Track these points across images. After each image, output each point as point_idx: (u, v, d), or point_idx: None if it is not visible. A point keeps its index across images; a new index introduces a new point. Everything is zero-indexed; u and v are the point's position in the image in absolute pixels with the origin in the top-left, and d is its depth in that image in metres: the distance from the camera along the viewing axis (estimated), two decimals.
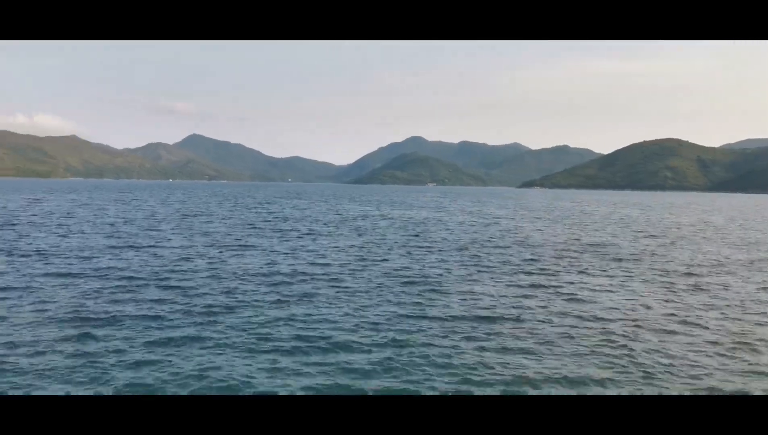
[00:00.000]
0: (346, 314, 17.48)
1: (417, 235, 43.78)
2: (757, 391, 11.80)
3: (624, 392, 11.60)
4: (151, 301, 18.67)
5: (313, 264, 27.39)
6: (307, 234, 43.12)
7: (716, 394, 11.57)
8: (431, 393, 11.25)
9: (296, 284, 22.13)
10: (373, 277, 24.05)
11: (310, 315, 17.22)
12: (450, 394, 11.21)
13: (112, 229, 43.48)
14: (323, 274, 24.45)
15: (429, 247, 35.95)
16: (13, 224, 45.22)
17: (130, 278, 22.34)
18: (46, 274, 22.86)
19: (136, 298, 19.02)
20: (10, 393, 10.70)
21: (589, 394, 11.43)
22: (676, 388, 11.94)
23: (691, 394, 11.55)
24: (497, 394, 11.27)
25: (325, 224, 53.84)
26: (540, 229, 52.28)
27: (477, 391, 11.41)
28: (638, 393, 11.52)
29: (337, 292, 20.84)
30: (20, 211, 60.98)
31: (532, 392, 11.48)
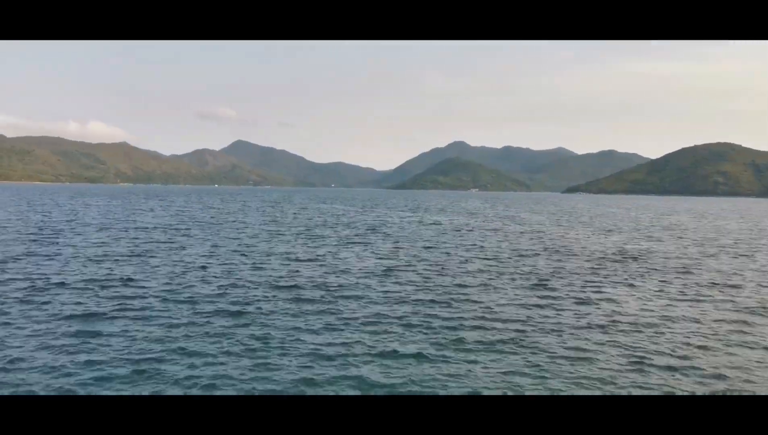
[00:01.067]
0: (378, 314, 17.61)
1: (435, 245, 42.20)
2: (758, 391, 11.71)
3: (624, 392, 11.51)
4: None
5: (331, 273, 26.58)
6: (321, 240, 42.10)
7: (716, 394, 11.52)
8: (431, 393, 11.22)
9: (306, 290, 21.17)
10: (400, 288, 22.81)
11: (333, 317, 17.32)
12: (450, 394, 11.17)
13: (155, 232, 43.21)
14: (340, 284, 23.51)
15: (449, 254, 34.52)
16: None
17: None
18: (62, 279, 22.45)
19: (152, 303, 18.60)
20: (9, 393, 10.78)
21: (589, 394, 11.33)
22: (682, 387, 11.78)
23: (692, 394, 11.53)
24: (497, 394, 11.23)
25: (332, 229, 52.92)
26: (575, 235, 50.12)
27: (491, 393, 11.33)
28: (638, 393, 11.43)
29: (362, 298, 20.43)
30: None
31: (532, 392, 11.39)
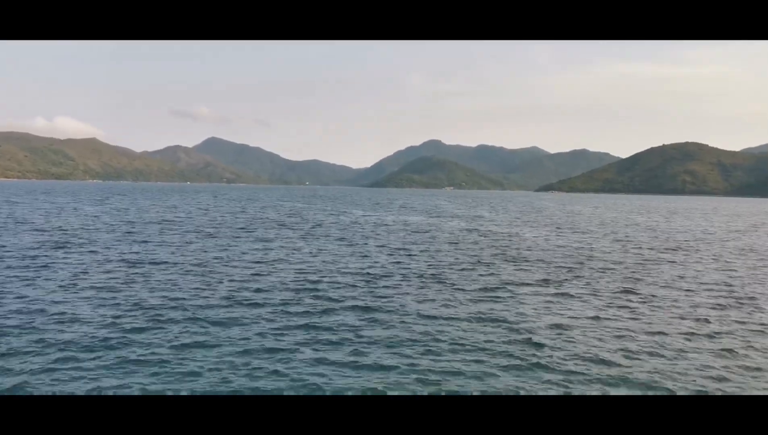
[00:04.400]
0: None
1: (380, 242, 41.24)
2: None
3: (623, 392, 11.53)
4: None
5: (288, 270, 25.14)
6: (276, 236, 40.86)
7: (716, 394, 11.47)
8: (430, 393, 11.22)
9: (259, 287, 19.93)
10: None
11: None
12: (450, 394, 11.16)
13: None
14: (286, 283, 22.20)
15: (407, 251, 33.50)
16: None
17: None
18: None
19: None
20: (10, 393, 10.77)
21: (589, 394, 11.23)
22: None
23: (691, 394, 11.49)
24: (497, 394, 11.18)
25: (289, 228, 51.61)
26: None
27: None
28: (638, 393, 11.45)
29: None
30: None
31: (532, 392, 11.38)
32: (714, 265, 31.28)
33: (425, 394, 11.15)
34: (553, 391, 11.50)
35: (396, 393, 11.16)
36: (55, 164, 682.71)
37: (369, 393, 11.17)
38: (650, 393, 11.53)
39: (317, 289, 21.14)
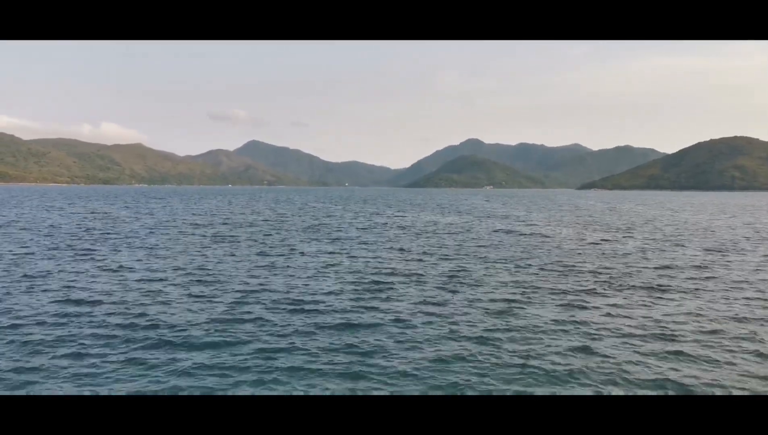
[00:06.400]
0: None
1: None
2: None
3: (623, 392, 11.32)
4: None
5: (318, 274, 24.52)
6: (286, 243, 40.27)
7: (716, 394, 11.25)
8: (430, 393, 11.10)
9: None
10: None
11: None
12: (450, 394, 11.07)
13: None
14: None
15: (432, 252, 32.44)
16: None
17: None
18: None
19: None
20: (10, 393, 10.81)
21: (589, 394, 11.19)
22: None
23: (692, 394, 11.19)
24: (497, 394, 11.07)
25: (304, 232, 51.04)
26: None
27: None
28: (638, 393, 11.26)
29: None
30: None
31: (532, 392, 11.24)
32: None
33: (425, 394, 10.97)
34: (554, 392, 11.27)
35: (396, 393, 11.04)
36: (102, 169, 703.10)
37: (369, 393, 11.07)
38: (650, 393, 11.24)
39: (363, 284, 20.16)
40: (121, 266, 25.42)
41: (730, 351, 13.67)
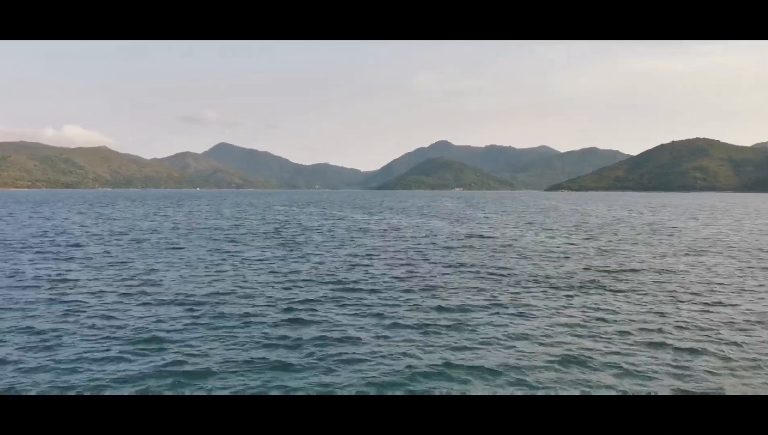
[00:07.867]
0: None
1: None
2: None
3: (623, 392, 11.43)
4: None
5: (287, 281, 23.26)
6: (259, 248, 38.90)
7: (716, 394, 11.39)
8: (430, 393, 11.21)
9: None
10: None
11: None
12: (450, 394, 11.15)
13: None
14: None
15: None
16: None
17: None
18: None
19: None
20: (11, 393, 10.90)
21: (588, 394, 11.31)
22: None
23: (691, 394, 11.34)
24: (497, 394, 11.26)
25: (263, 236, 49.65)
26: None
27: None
28: (638, 393, 11.38)
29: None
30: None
31: (532, 392, 11.36)
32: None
33: (425, 394, 10.97)
34: (553, 392, 11.38)
35: (396, 393, 11.17)
36: (65, 173, 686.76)
37: (369, 393, 11.19)
38: (649, 393, 11.39)
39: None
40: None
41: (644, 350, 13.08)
